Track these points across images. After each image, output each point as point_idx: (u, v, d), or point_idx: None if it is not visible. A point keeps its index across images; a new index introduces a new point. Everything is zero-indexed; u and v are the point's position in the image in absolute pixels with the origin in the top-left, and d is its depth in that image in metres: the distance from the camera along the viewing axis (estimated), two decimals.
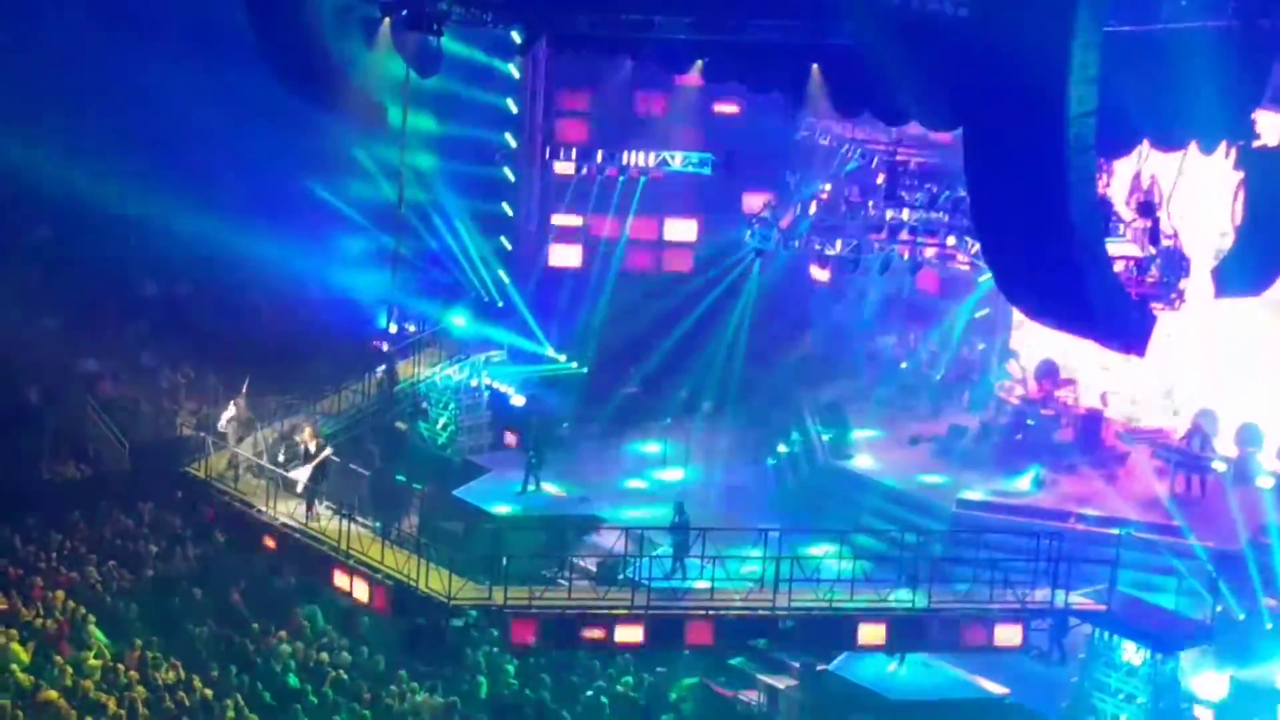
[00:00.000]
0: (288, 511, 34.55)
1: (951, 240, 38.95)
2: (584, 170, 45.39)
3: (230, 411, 37.62)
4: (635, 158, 43.46)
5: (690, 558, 33.47)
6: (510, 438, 42.46)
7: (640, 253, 47.33)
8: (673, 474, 40.27)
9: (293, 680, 32.23)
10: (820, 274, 45.49)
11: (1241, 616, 33.52)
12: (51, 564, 35.11)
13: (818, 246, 41.87)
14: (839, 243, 41.15)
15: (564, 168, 46.36)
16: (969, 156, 30.04)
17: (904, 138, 40.18)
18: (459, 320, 42.93)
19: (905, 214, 39.61)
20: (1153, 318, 31.95)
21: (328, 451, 34.19)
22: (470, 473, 40.97)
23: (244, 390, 38.02)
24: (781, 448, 41.57)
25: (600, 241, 47.59)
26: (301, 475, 33.80)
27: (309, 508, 33.95)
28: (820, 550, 33.80)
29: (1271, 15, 29.07)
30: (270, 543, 35.07)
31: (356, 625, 34.47)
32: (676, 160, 42.75)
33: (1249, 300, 33.35)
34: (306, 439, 34.35)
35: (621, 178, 44.69)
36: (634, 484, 40.49)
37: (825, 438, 41.04)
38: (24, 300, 44.83)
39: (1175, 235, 35.43)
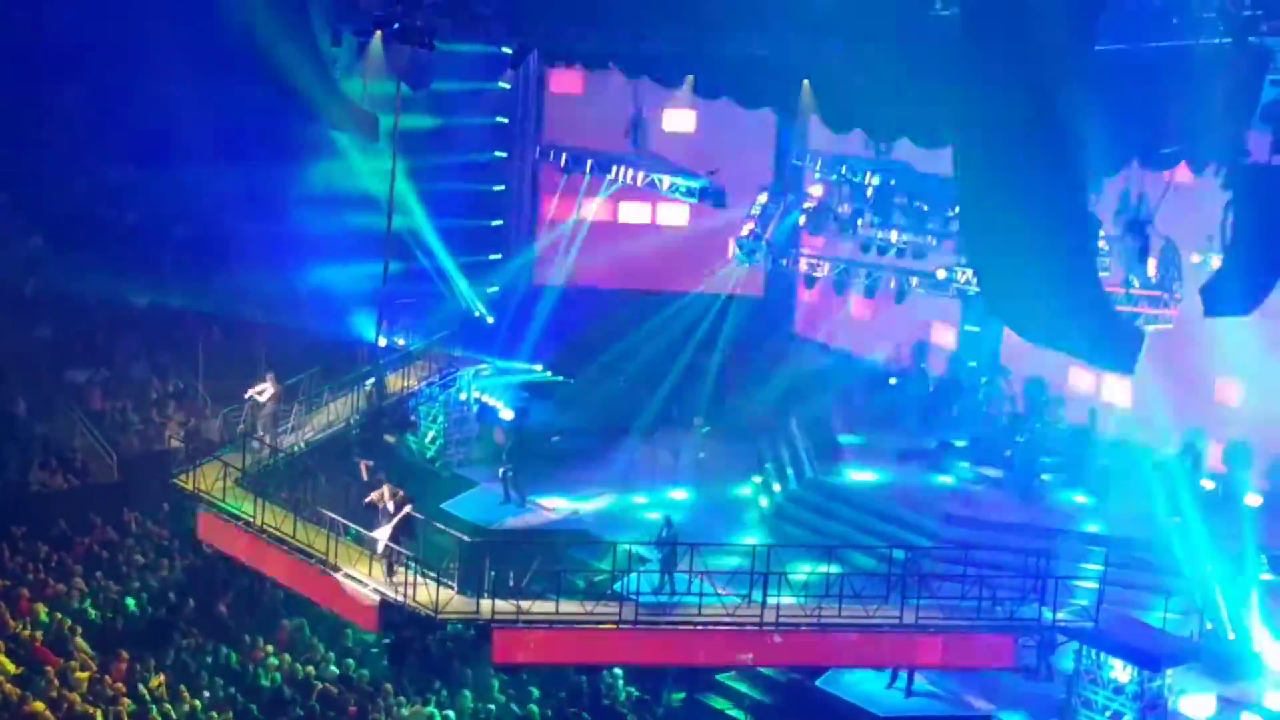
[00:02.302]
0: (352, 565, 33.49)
1: (942, 273, 38.93)
2: (570, 178, 45.18)
3: (263, 388, 37.87)
4: (624, 174, 43.16)
5: (679, 572, 33.47)
6: (500, 435, 42.25)
7: (626, 266, 47.38)
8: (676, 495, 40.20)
9: (280, 693, 32.20)
10: (808, 295, 45.65)
11: (1231, 635, 33.52)
12: (38, 575, 35.08)
13: (805, 267, 41.85)
14: (825, 265, 41.15)
15: (552, 174, 46.26)
16: (960, 173, 30.14)
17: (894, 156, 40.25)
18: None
19: (894, 235, 39.60)
20: (1141, 336, 32.05)
21: (409, 508, 33.77)
22: (459, 486, 40.96)
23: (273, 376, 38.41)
24: (770, 463, 41.52)
25: (588, 254, 47.70)
26: (382, 535, 33.34)
27: (390, 570, 32.91)
28: (802, 575, 33.67)
29: (1261, 33, 29.12)
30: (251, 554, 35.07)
31: (343, 638, 34.45)
32: (664, 184, 42.30)
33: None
34: (385, 498, 33.80)
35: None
36: (625, 498, 40.42)
37: (812, 453, 41.02)
38: (14, 310, 44.80)
39: (1169, 241, 35.59)
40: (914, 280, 39.68)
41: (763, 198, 42.89)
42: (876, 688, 33.39)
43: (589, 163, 43.69)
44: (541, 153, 45.71)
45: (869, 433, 42.63)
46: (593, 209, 46.99)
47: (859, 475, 40.50)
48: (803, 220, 42.04)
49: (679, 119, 45.77)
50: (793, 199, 42.61)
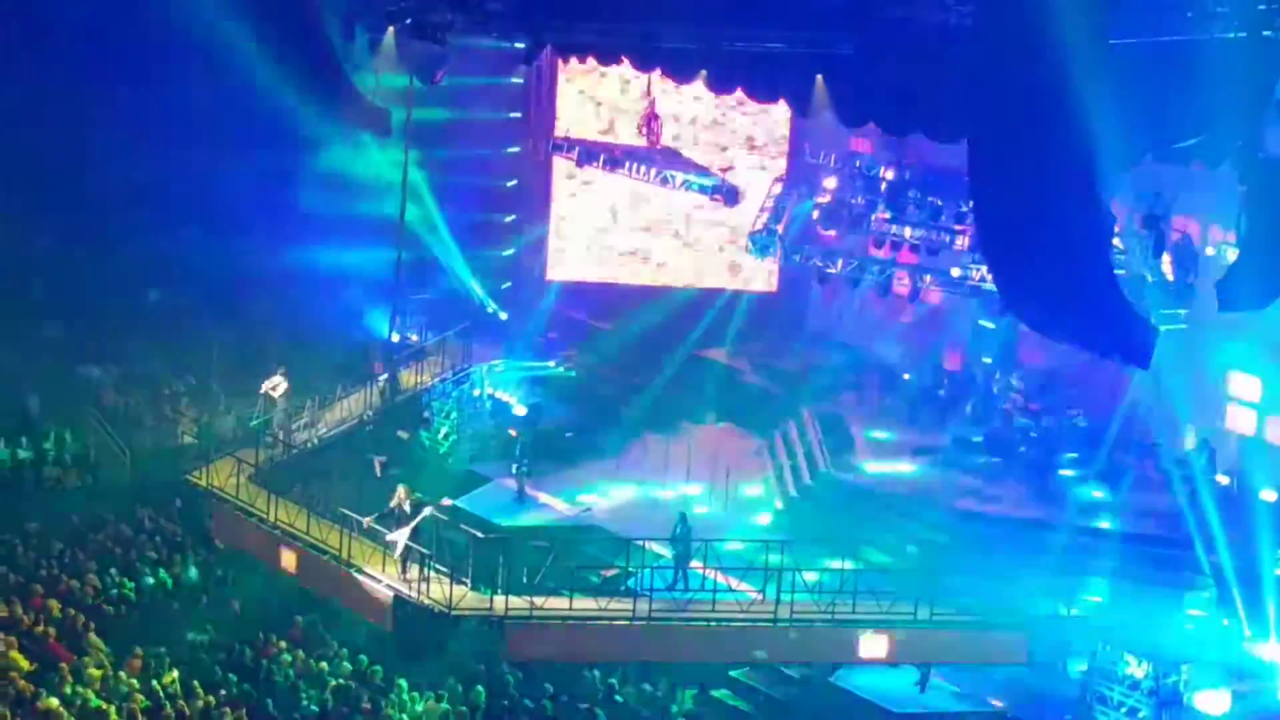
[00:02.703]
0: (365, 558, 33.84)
1: (956, 271, 38.81)
2: (584, 172, 45.08)
3: (276, 383, 37.94)
4: (636, 170, 42.99)
5: (692, 568, 33.45)
6: (512, 430, 42.14)
7: (640, 261, 47.35)
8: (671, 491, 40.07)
9: (294, 689, 32.19)
10: (822, 290, 45.53)
11: (1246, 632, 33.42)
12: (52, 571, 35.08)
13: (818, 263, 41.70)
14: (840, 261, 41.04)
15: (565, 169, 46.19)
16: (973, 168, 30.07)
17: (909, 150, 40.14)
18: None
19: (908, 231, 39.45)
20: (1155, 331, 31.92)
21: (427, 511, 33.55)
22: (472, 482, 40.92)
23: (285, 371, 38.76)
24: (784, 459, 41.45)
25: (601, 249, 47.64)
26: (400, 537, 33.31)
27: (404, 567, 33.22)
28: (816, 571, 33.57)
29: (1276, 27, 29.01)
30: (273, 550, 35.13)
31: (357, 634, 34.44)
32: (677, 181, 42.09)
33: None
34: (401, 499, 33.81)
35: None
36: (638, 494, 40.37)
37: (826, 448, 40.95)
38: (26, 308, 44.83)
39: (1184, 235, 35.51)
40: (927, 278, 39.54)
41: (776, 188, 42.78)
42: (891, 683, 33.35)
43: (602, 157, 43.58)
44: (554, 146, 45.62)
45: (885, 428, 42.52)
46: (606, 203, 46.94)
47: (873, 470, 40.40)
48: (816, 214, 41.95)
49: (694, 113, 45.59)
50: (806, 189, 42.49)
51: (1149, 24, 29.69)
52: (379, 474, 37.14)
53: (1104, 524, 37.20)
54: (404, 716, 31.67)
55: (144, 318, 46.59)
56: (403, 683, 32.46)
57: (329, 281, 45.18)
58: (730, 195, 41.89)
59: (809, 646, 32.66)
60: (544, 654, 32.72)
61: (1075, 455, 39.91)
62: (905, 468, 40.51)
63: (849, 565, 33.30)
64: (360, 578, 33.18)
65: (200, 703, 31.03)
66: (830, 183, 41.67)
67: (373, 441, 40.26)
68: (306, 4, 37.80)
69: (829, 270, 41.60)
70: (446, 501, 35.29)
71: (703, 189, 41.95)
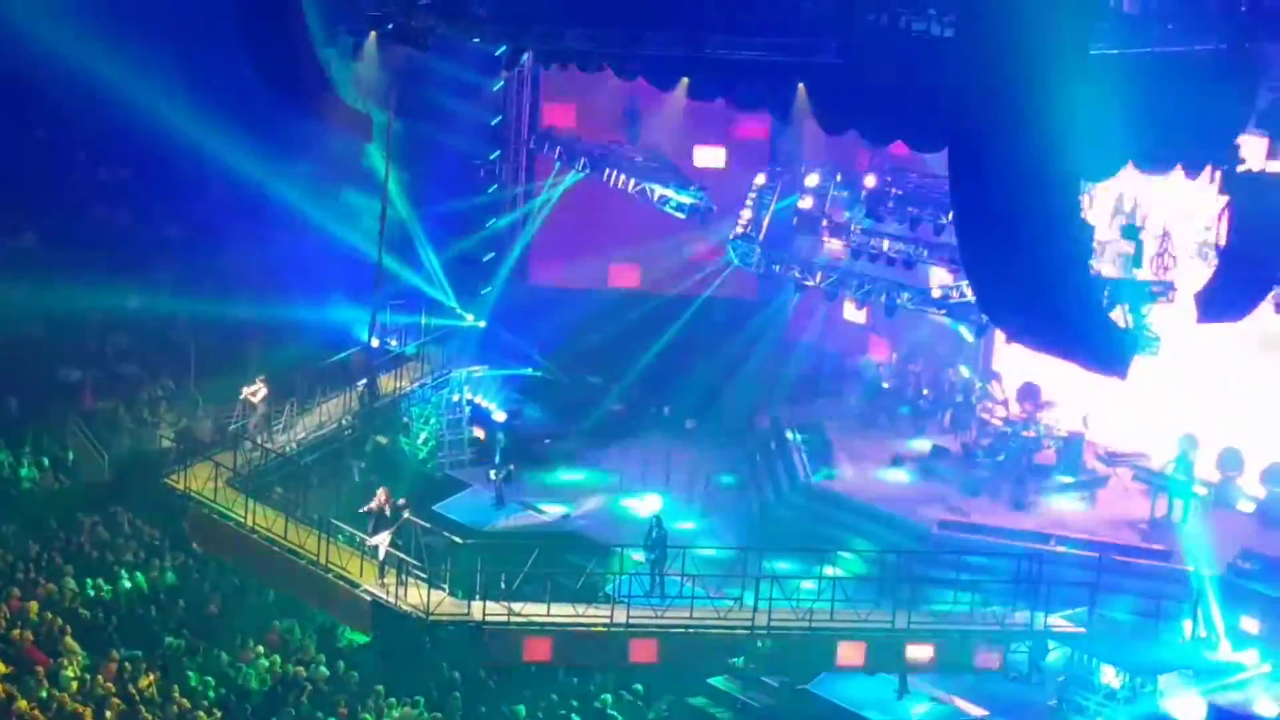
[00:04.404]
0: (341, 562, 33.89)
1: (937, 292, 38.83)
2: (563, 171, 44.93)
3: (256, 389, 38.21)
4: (616, 178, 42.86)
5: (669, 574, 33.43)
6: (478, 432, 42.23)
7: (621, 268, 47.28)
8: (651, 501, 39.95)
9: (270, 693, 32.15)
10: (802, 297, 45.50)
11: (1223, 642, 33.47)
12: (29, 574, 34.99)
13: (797, 274, 41.67)
14: (819, 274, 41.04)
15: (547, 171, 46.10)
16: (954, 177, 30.07)
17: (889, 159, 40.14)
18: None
19: (885, 244, 39.43)
20: (1134, 341, 32.01)
21: (406, 514, 33.55)
22: (451, 488, 40.88)
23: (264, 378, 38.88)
24: (762, 466, 41.42)
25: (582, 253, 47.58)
26: (382, 541, 33.28)
27: (381, 572, 33.14)
28: (794, 578, 33.56)
29: (1256, 38, 29.10)
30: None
31: (334, 639, 34.39)
32: (655, 195, 42.01)
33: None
34: (381, 502, 33.71)
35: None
36: (617, 500, 40.34)
37: (805, 456, 40.94)
38: (7, 309, 44.68)
39: (1165, 235, 35.59)
40: (904, 295, 39.45)
41: (760, 179, 42.59)
42: (868, 692, 33.33)
43: (582, 160, 43.51)
44: (536, 142, 45.58)
45: (871, 436, 42.53)
46: (588, 206, 46.86)
47: (853, 479, 40.38)
48: (795, 220, 41.88)
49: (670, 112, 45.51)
50: (787, 185, 42.31)
51: (1131, 35, 29.76)
52: (357, 479, 37.00)
53: (1081, 534, 37.23)
54: None
55: (123, 321, 46.47)
56: (380, 688, 32.44)
57: (309, 286, 45.09)
58: (706, 214, 41.93)
59: (786, 654, 32.66)
60: (521, 660, 32.67)
61: (1054, 465, 39.97)
62: (883, 476, 40.52)
63: (828, 572, 33.30)
64: (337, 583, 33.12)
65: (176, 707, 30.99)
66: (812, 180, 41.50)
67: (352, 447, 40.19)
68: (288, 8, 37.73)
69: (807, 282, 41.50)
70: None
71: (680, 207, 41.91)
